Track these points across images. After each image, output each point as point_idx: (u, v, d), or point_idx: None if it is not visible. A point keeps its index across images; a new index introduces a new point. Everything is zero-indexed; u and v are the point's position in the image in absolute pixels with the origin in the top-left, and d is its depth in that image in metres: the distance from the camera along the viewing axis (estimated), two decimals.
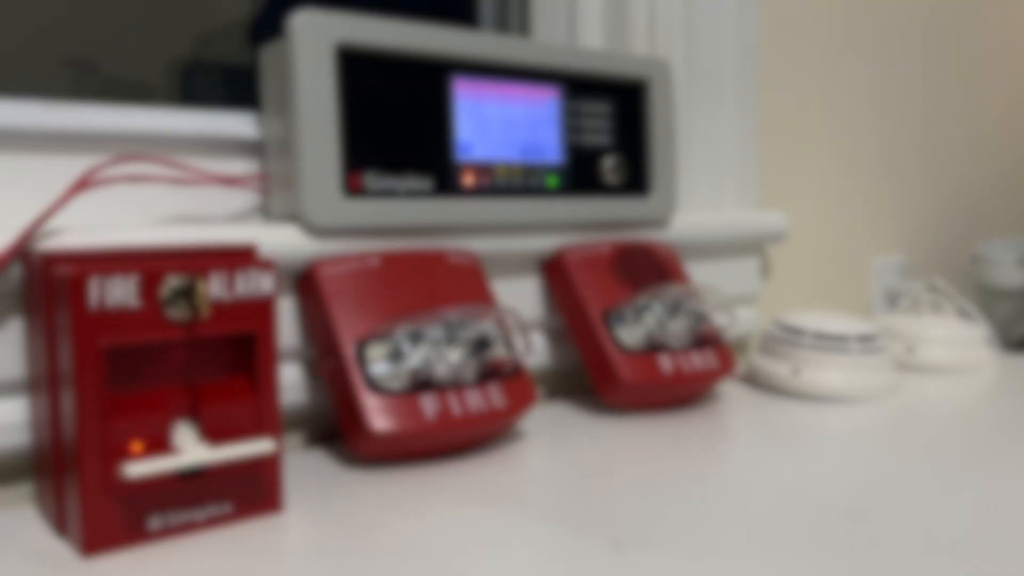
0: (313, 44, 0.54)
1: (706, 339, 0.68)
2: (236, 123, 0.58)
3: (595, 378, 0.64)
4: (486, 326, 0.56)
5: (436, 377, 0.53)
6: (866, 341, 0.71)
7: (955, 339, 0.82)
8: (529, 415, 0.65)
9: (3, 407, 0.46)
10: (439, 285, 0.57)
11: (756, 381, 0.74)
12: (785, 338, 0.72)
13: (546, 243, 0.67)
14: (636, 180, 0.72)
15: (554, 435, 0.59)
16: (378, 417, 0.50)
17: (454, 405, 0.53)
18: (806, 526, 0.43)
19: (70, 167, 0.53)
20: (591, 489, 0.48)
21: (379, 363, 0.52)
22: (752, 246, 0.86)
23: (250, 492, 0.44)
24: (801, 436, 0.59)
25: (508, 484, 0.49)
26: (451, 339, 0.54)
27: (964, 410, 0.66)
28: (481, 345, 0.55)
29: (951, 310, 0.88)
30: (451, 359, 0.53)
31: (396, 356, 0.52)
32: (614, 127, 0.71)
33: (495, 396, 0.55)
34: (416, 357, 0.52)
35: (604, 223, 0.71)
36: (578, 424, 0.62)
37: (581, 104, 0.69)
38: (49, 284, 0.41)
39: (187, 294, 0.41)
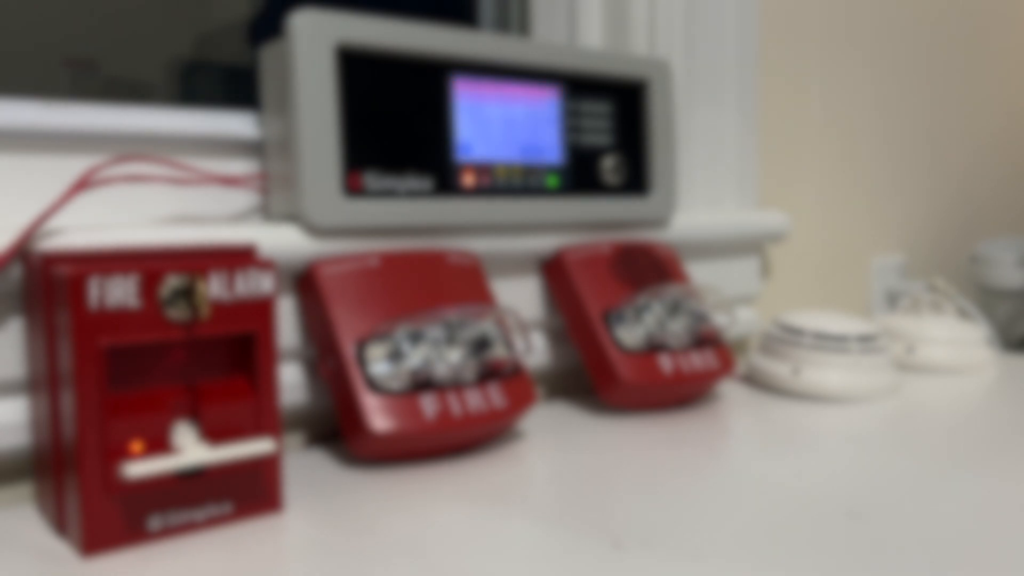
0: (313, 44, 0.54)
1: (706, 339, 0.68)
2: (236, 123, 0.58)
3: (595, 378, 0.64)
4: (486, 326, 0.56)
5: (436, 377, 0.53)
6: (866, 341, 0.71)
7: (955, 339, 0.82)
8: (529, 415, 0.65)
9: (3, 407, 0.46)
10: (439, 285, 0.57)
11: (756, 381, 0.74)
12: (785, 338, 0.72)
13: (546, 243, 0.67)
14: (636, 180, 0.72)
15: (554, 435, 0.59)
16: (378, 417, 0.50)
17: (454, 405, 0.53)
18: (806, 526, 0.43)
19: (70, 167, 0.53)
20: (591, 489, 0.48)
21: (379, 363, 0.52)
22: (752, 246, 0.86)
23: (250, 492, 0.44)
24: (801, 436, 0.59)
25: (508, 484, 0.49)
26: (451, 339, 0.54)
27: (964, 410, 0.66)
28: (481, 345, 0.55)
29: (951, 310, 0.88)
30: (451, 359, 0.53)
31: (396, 356, 0.52)
32: (614, 127, 0.71)
33: (495, 396, 0.55)
34: (416, 357, 0.52)
35: (604, 223, 0.71)
36: (578, 424, 0.62)
37: (581, 104, 0.69)
38: (49, 284, 0.41)
39: (187, 294, 0.41)
